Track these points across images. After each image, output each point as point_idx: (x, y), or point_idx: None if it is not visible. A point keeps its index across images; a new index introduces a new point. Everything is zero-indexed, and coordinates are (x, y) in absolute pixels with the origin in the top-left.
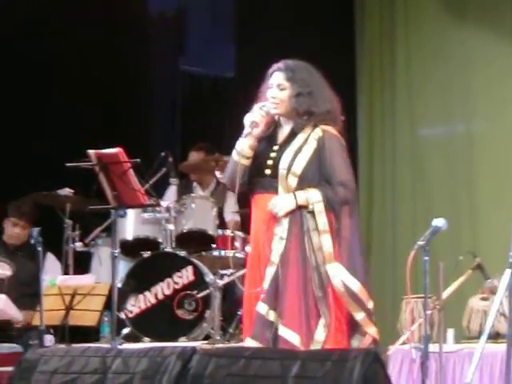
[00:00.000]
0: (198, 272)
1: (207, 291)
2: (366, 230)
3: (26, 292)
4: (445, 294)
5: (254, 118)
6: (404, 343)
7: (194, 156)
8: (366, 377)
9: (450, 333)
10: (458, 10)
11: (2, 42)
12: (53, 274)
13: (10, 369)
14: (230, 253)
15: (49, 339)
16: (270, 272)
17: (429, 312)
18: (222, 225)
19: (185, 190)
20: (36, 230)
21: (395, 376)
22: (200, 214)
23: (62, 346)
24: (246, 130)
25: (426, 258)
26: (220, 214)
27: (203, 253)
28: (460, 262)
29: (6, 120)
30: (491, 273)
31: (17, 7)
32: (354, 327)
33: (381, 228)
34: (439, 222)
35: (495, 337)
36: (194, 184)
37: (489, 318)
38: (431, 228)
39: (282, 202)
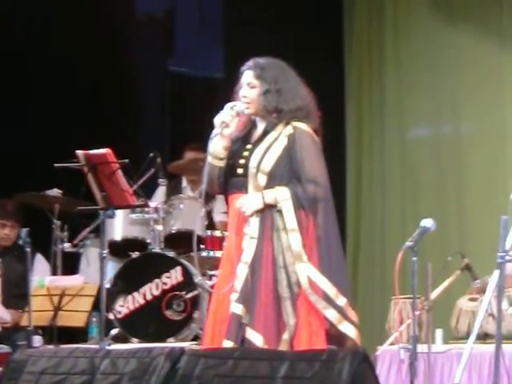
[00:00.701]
0: (186, 273)
1: (196, 292)
2: (354, 230)
3: (15, 293)
4: (433, 295)
5: (224, 118)
6: (392, 344)
7: (190, 155)
8: (354, 377)
9: (439, 333)
10: (445, 11)
11: None
12: (42, 275)
13: None
14: (218, 253)
15: (37, 340)
16: (242, 272)
17: (417, 312)
18: (211, 225)
19: (174, 190)
20: (24, 231)
21: (383, 376)
22: (188, 214)
23: (51, 346)
24: (216, 131)
25: (415, 258)
26: (209, 215)
27: (192, 253)
28: (448, 263)
29: None
30: (479, 273)
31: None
32: (327, 327)
33: (369, 228)
34: (427, 223)
35: (483, 337)
36: (184, 184)
37: (477, 319)
38: (419, 229)
39: (249, 201)
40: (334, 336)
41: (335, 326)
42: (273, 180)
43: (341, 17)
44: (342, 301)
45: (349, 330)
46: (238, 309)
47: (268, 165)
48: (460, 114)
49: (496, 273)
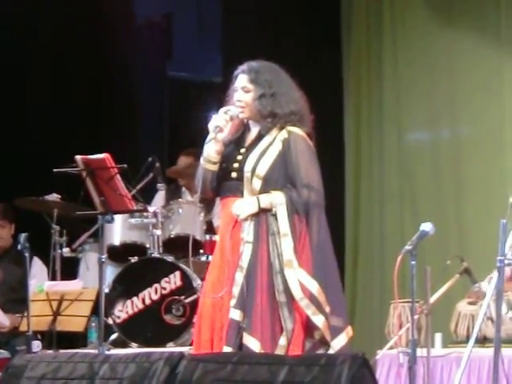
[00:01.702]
0: (185, 277)
1: (195, 296)
2: (353, 235)
3: (13, 297)
4: (432, 299)
5: (218, 123)
6: (392, 348)
7: (183, 161)
8: (353, 381)
9: (438, 337)
10: (443, 15)
11: None
12: (39, 279)
13: None
14: None
15: (36, 345)
16: (239, 277)
17: (416, 316)
18: (210, 230)
19: (173, 195)
20: (23, 236)
21: (383, 381)
22: (187, 219)
23: (50, 351)
24: (210, 135)
25: (413, 262)
26: (208, 220)
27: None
28: (447, 267)
29: None
30: (478, 277)
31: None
32: (310, 331)
33: (368, 233)
34: (426, 227)
35: (483, 341)
36: (183, 189)
37: (476, 323)
38: (418, 232)
39: (244, 204)
40: (320, 342)
41: (320, 332)
42: (268, 184)
43: (339, 22)
44: (328, 308)
45: (329, 338)
46: (235, 314)
47: (263, 169)
48: (458, 118)
49: (494, 276)
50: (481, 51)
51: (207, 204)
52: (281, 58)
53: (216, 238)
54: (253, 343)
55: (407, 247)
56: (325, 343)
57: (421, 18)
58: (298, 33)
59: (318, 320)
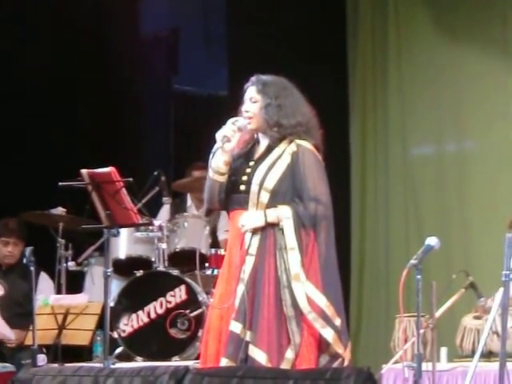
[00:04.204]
0: (190, 291)
1: (200, 310)
2: (358, 248)
3: (19, 311)
4: (438, 313)
5: (226, 133)
6: (397, 362)
7: (197, 174)
8: None
9: (443, 351)
10: (448, 28)
11: None
12: (46, 294)
13: None
14: None
15: (41, 358)
16: (240, 289)
17: (422, 331)
18: (215, 244)
19: (178, 208)
20: (29, 250)
21: None
22: (192, 232)
23: (55, 365)
24: (217, 144)
25: (419, 276)
26: (213, 233)
27: (196, 272)
28: (453, 281)
29: None
30: (484, 292)
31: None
32: (323, 346)
33: (374, 247)
34: (432, 241)
35: (488, 355)
36: (189, 203)
37: (482, 337)
38: (424, 247)
39: (250, 218)
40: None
41: (331, 346)
42: (275, 198)
43: (345, 35)
44: (338, 321)
45: (341, 351)
46: (235, 327)
47: (271, 183)
48: (463, 131)
49: (501, 290)
50: (486, 65)
51: (212, 217)
52: (286, 72)
53: (221, 251)
54: (259, 355)
55: (412, 261)
56: (338, 356)
57: (426, 33)
58: (304, 47)
59: (327, 333)
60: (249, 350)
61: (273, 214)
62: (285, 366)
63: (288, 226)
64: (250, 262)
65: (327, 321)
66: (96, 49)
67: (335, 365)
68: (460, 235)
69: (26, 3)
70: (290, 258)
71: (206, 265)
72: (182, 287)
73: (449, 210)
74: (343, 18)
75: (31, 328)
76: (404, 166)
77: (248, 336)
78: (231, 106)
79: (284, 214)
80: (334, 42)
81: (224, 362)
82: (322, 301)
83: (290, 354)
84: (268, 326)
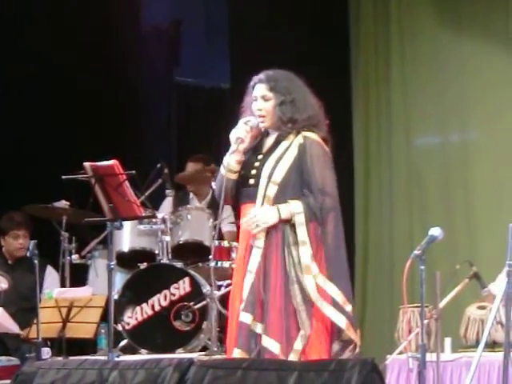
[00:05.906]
0: (194, 283)
1: (204, 302)
2: (362, 239)
3: (25, 306)
4: (442, 304)
5: (239, 134)
6: (401, 353)
7: (192, 167)
8: None
9: (448, 342)
10: (452, 20)
11: None
12: (53, 287)
13: (7, 382)
14: (226, 264)
15: (46, 352)
16: (248, 281)
17: (426, 321)
18: (219, 236)
19: (181, 201)
20: (32, 243)
21: None
22: (196, 225)
23: (59, 358)
24: (232, 147)
25: (423, 267)
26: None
27: (200, 264)
28: (457, 271)
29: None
30: (488, 282)
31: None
32: (335, 333)
33: (377, 237)
34: (435, 232)
35: (492, 345)
36: (191, 195)
37: (486, 327)
38: (427, 237)
39: (263, 214)
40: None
41: (343, 332)
42: (284, 191)
43: (347, 26)
44: (349, 307)
45: (353, 336)
46: (245, 317)
47: (279, 176)
48: (467, 121)
49: (504, 280)
50: (489, 55)
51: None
52: (289, 64)
53: (225, 243)
54: (273, 346)
55: (416, 252)
56: (351, 343)
57: (429, 22)
58: (306, 40)
59: (340, 320)
60: (262, 341)
61: (286, 211)
62: (293, 356)
63: (299, 220)
64: (257, 254)
65: (338, 308)
66: (98, 41)
67: (348, 351)
68: (464, 225)
69: None
70: (300, 252)
71: (210, 257)
72: (186, 279)
73: (453, 200)
74: (346, 10)
75: (35, 321)
76: (408, 156)
77: (259, 328)
78: (233, 99)
79: (296, 209)
80: (337, 35)
81: (236, 353)
82: (332, 289)
83: (298, 345)
84: (277, 318)
